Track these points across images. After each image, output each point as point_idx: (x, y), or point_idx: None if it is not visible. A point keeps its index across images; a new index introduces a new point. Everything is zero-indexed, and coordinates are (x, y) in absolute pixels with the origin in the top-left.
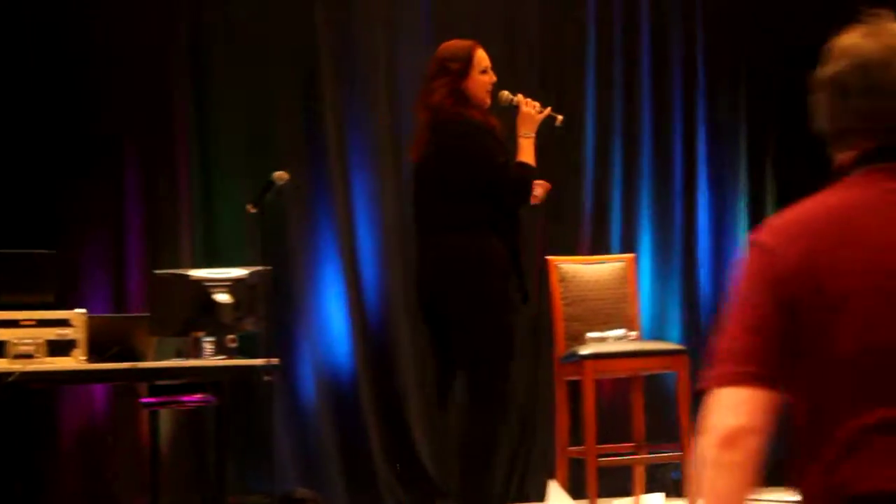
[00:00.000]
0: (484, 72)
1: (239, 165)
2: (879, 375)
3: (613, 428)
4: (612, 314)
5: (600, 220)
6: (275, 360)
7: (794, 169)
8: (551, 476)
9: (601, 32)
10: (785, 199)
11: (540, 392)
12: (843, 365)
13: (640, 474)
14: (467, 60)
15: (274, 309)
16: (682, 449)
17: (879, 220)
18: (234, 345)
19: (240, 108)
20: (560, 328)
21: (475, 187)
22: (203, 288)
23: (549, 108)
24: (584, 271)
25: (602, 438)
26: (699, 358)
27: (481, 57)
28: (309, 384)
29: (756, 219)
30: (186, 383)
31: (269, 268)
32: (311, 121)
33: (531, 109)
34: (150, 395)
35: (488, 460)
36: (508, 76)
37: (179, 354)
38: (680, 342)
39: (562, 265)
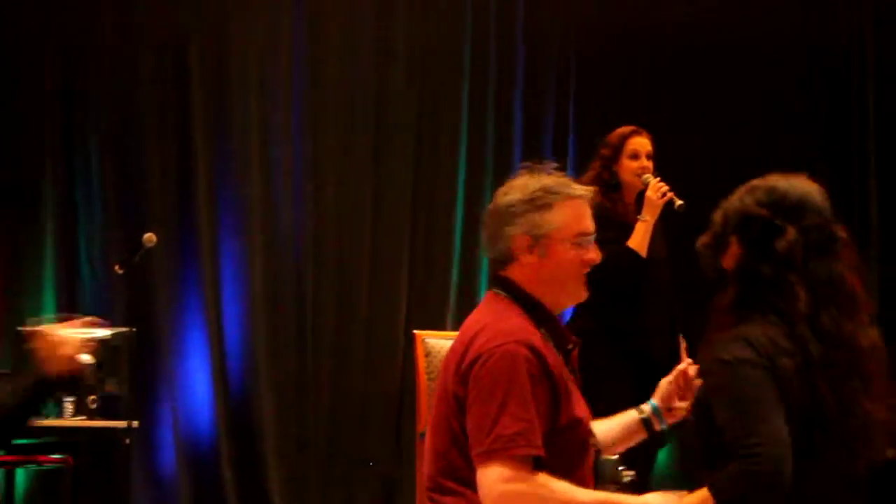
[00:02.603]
0: (634, 157)
1: (107, 225)
2: None
3: None
4: None
5: (467, 296)
6: (135, 423)
7: None
8: None
9: (473, 112)
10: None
11: (404, 465)
12: None
13: None
14: (618, 147)
15: (137, 371)
16: None
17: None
18: (94, 405)
19: (110, 168)
20: (423, 402)
21: None
22: None
23: (671, 193)
24: (449, 347)
25: None
26: None
27: (633, 143)
28: (169, 448)
29: None
30: (45, 442)
31: (133, 329)
32: (183, 185)
33: (653, 194)
34: (7, 454)
35: None
36: (380, 144)
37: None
38: None
39: (428, 339)
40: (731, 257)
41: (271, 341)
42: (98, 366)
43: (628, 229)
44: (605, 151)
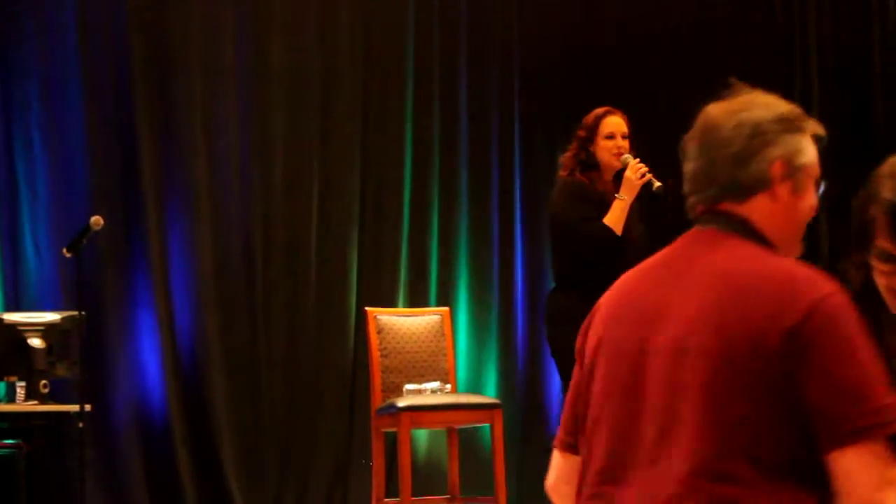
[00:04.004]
0: (609, 137)
1: (53, 209)
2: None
3: (429, 480)
4: (428, 366)
5: (418, 273)
6: (88, 406)
7: None
8: None
9: (419, 90)
10: None
11: (355, 442)
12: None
13: None
14: (593, 128)
15: (87, 354)
16: (496, 502)
17: (649, 284)
18: (46, 390)
19: (55, 151)
20: (377, 379)
21: (555, 242)
22: (16, 332)
23: (649, 175)
24: (401, 323)
25: (417, 490)
26: (514, 411)
27: (608, 123)
28: (122, 430)
29: None
30: None
31: (82, 313)
32: (127, 166)
33: (632, 174)
34: None
35: None
36: (327, 125)
37: None
38: (495, 395)
39: (380, 316)
40: None
41: (222, 321)
42: (48, 350)
43: (606, 208)
44: (581, 133)
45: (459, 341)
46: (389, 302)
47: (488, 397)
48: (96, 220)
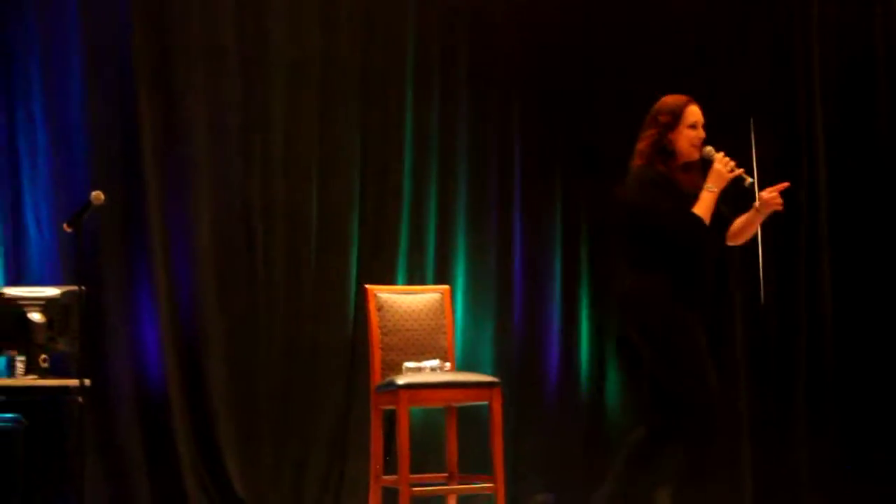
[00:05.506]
0: (693, 127)
1: (54, 184)
2: None
3: (427, 457)
4: (427, 344)
5: (417, 251)
6: (87, 381)
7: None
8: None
9: (419, 70)
10: (597, 236)
11: (353, 419)
12: None
13: None
14: (677, 115)
15: (87, 329)
16: (494, 480)
17: None
18: (45, 364)
19: (56, 127)
20: (377, 357)
21: (637, 230)
22: (17, 306)
23: (741, 170)
24: (401, 301)
25: (415, 468)
26: (511, 389)
27: (691, 112)
28: (121, 405)
29: (570, 252)
30: None
31: (82, 287)
32: (129, 143)
33: (722, 167)
34: None
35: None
36: (328, 102)
37: None
38: (493, 374)
39: (380, 294)
40: None
41: (221, 297)
42: (48, 324)
43: (684, 198)
44: (663, 119)
45: (457, 319)
46: (388, 280)
47: (487, 375)
48: (97, 196)
